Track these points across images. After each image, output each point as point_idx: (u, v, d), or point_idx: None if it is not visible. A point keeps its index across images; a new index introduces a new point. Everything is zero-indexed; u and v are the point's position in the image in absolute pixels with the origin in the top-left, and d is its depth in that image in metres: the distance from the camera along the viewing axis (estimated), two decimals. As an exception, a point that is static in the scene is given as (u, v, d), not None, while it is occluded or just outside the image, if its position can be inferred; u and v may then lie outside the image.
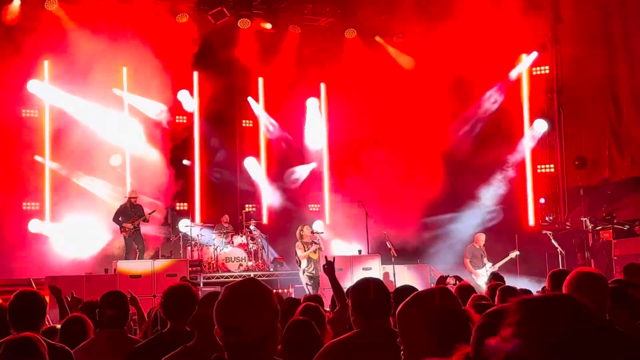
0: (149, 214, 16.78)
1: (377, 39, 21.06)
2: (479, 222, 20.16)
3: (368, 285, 4.31)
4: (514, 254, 16.37)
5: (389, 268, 15.86)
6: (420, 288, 5.74)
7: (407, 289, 4.99)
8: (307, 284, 15.11)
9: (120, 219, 16.54)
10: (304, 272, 15.22)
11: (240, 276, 17.36)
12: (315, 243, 15.22)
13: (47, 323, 5.83)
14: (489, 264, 15.98)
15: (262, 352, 2.68)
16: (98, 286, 13.46)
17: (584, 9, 18.15)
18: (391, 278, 15.87)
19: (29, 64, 18.08)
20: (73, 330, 5.51)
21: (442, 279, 8.95)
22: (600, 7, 18.53)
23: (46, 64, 18.51)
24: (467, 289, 7.10)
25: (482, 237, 16.61)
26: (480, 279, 15.59)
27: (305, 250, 15.07)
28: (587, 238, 18.20)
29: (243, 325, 2.64)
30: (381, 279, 4.44)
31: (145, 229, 18.92)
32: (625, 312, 4.61)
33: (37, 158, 18.41)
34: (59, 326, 6.01)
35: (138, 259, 16.41)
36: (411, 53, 20.59)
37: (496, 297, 6.64)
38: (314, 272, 15.17)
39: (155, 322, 6.02)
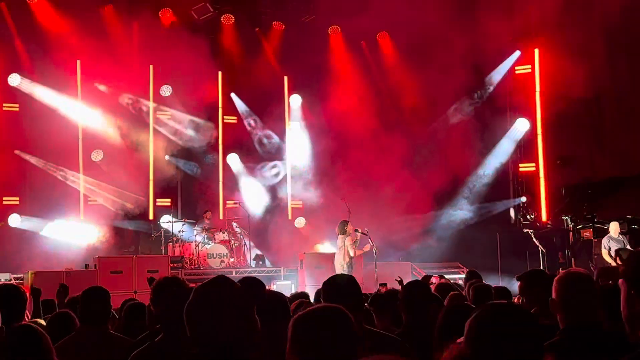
0: None
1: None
2: (461, 220, 20.25)
3: (336, 281, 4.54)
4: None
5: (370, 265, 15.85)
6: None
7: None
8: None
9: None
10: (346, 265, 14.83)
11: (222, 273, 17.29)
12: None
13: (26, 319, 5.76)
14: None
15: (238, 352, 2.67)
16: (78, 282, 13.38)
17: (567, 8, 18.21)
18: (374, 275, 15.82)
19: (9, 58, 17.95)
20: (58, 326, 5.45)
21: (427, 278, 8.95)
22: (583, 6, 18.61)
23: (27, 57, 18.36)
24: (445, 288, 7.30)
25: (615, 226, 15.72)
26: None
27: (354, 247, 14.79)
28: (567, 237, 18.33)
29: (215, 327, 2.67)
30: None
31: (127, 224, 18.91)
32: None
33: (18, 152, 18.27)
34: (42, 321, 5.95)
35: None
36: (394, 50, 20.61)
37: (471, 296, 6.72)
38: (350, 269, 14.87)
39: (128, 316, 5.96)
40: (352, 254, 14.91)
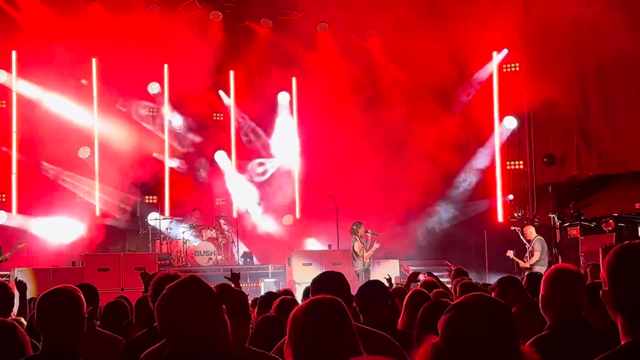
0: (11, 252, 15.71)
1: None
2: (448, 218, 20.30)
3: (327, 278, 4.54)
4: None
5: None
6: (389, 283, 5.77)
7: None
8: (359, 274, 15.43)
9: None
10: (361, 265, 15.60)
11: (209, 270, 17.28)
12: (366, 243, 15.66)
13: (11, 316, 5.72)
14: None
15: (208, 348, 2.78)
16: (65, 279, 13.32)
17: (553, 6, 18.26)
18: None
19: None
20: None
21: (414, 276, 8.96)
22: (570, 4, 18.66)
23: (14, 54, 18.29)
24: (431, 285, 7.37)
25: (527, 230, 15.88)
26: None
27: (363, 248, 15.47)
28: (555, 234, 18.39)
29: (184, 323, 2.77)
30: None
31: (114, 221, 18.82)
32: (600, 311, 4.66)
33: (4, 149, 18.19)
34: (22, 320, 5.91)
35: None
36: (382, 49, 20.61)
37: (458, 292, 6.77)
38: (366, 265, 15.64)
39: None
40: (363, 257, 15.34)
